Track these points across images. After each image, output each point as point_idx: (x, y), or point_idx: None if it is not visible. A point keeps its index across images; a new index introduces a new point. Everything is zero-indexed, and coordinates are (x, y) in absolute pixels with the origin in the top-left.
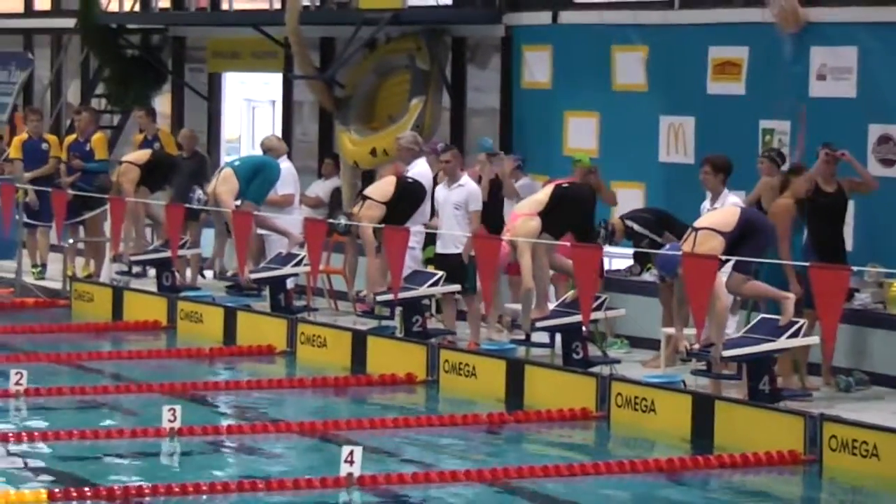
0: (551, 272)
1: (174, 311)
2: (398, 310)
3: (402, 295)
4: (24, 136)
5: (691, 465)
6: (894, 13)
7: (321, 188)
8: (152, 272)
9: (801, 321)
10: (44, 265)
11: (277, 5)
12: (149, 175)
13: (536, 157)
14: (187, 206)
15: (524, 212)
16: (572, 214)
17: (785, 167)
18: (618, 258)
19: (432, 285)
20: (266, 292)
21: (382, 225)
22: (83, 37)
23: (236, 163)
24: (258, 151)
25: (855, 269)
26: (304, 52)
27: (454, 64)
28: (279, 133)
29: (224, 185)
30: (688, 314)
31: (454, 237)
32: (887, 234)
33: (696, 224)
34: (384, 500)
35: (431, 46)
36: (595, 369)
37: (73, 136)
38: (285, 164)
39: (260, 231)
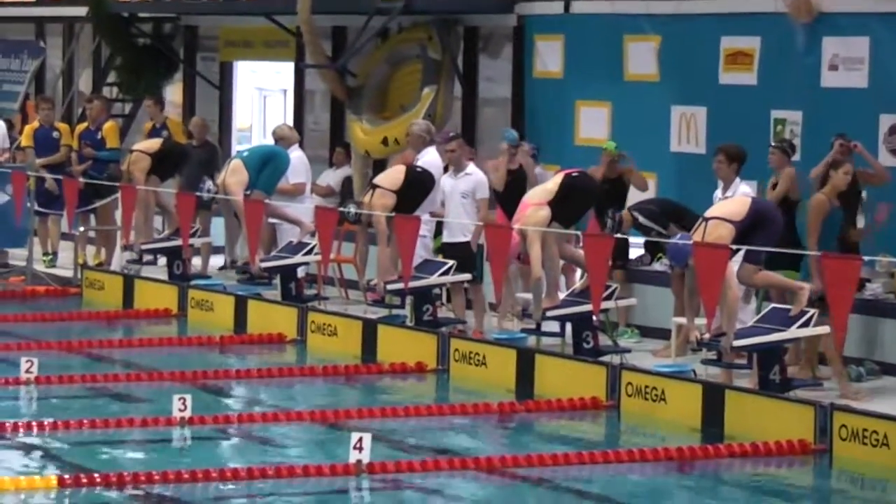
0: (561, 262)
1: (185, 300)
2: (409, 299)
3: (412, 284)
4: (36, 124)
5: (701, 455)
6: None
7: (332, 177)
8: (163, 260)
9: (812, 311)
10: (55, 253)
11: None
12: (159, 164)
13: (548, 146)
14: (198, 194)
15: (534, 201)
16: (582, 204)
17: (796, 157)
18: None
19: (443, 274)
20: (277, 281)
21: (393, 214)
22: (95, 25)
23: (245, 154)
24: (269, 141)
25: (866, 258)
26: (316, 41)
27: (466, 53)
28: (290, 122)
29: (233, 176)
30: (699, 304)
31: (462, 226)
32: None
33: (707, 214)
34: (393, 487)
35: (443, 36)
36: (605, 358)
37: (84, 125)
38: (297, 154)
39: (271, 220)
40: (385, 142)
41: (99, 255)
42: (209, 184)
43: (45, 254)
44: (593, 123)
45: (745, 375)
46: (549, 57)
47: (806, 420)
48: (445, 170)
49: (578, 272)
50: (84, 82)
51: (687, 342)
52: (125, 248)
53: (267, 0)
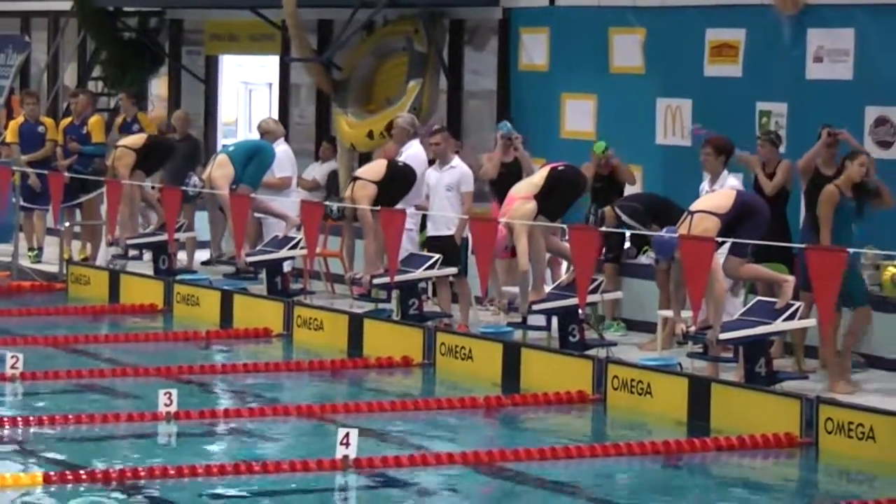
0: (547, 255)
1: (171, 295)
2: (395, 293)
3: (398, 278)
4: (21, 119)
5: (687, 448)
6: None
7: (318, 171)
8: (148, 255)
9: (798, 304)
10: (40, 248)
11: None
12: (144, 159)
13: (534, 139)
14: (183, 188)
15: (520, 195)
16: (568, 197)
17: (782, 149)
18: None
19: (429, 268)
20: (263, 275)
21: (378, 207)
22: (80, 19)
23: (231, 148)
24: (255, 134)
25: (851, 251)
26: (302, 34)
27: (452, 46)
28: (276, 116)
29: (219, 170)
30: (684, 297)
31: (446, 219)
32: (884, 217)
33: (692, 207)
34: (380, 482)
35: (429, 29)
36: (591, 352)
37: (69, 119)
38: (282, 147)
39: (257, 214)
40: (370, 135)
41: (84, 250)
42: (195, 179)
43: (31, 249)
44: (579, 116)
45: (731, 369)
46: (534, 50)
47: (792, 413)
48: (431, 163)
49: (564, 265)
50: (69, 76)
51: (673, 335)
52: (111, 243)
53: None
